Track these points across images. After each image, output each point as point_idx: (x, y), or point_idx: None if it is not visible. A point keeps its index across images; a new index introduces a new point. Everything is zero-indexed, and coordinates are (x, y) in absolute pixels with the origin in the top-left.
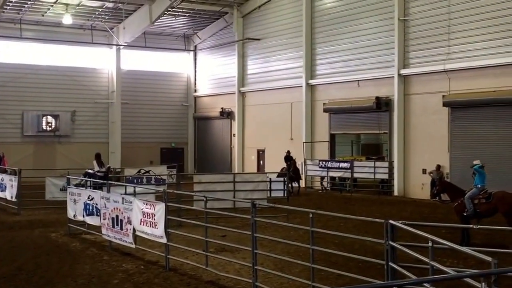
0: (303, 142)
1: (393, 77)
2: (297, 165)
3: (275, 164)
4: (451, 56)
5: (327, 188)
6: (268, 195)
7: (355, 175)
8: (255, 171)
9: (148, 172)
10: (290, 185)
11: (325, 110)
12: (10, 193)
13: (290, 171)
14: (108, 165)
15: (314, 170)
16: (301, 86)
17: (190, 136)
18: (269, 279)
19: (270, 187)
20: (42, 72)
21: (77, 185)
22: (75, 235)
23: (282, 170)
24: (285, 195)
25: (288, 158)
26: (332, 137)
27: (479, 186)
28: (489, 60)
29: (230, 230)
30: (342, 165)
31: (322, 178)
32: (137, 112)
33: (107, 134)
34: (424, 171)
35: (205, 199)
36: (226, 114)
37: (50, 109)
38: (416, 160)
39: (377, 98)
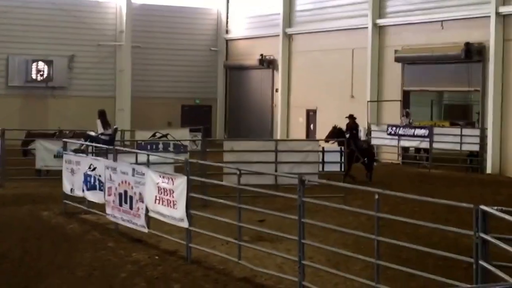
0: (368, 101)
1: (489, 16)
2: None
3: (329, 128)
4: None
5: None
6: (321, 169)
7: (435, 145)
8: (304, 137)
9: (165, 136)
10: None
11: (397, 60)
12: None
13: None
14: (115, 126)
15: (382, 138)
16: (366, 27)
17: (219, 91)
18: (320, 278)
19: (323, 158)
20: (33, 5)
21: (76, 151)
22: (72, 215)
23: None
24: (343, 169)
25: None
26: (406, 95)
27: None
28: None
29: (270, 213)
30: (419, 132)
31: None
32: (152, 59)
33: (113, 86)
34: None
35: (238, 173)
36: (267, 63)
37: (41, 53)
38: None
39: (467, 44)
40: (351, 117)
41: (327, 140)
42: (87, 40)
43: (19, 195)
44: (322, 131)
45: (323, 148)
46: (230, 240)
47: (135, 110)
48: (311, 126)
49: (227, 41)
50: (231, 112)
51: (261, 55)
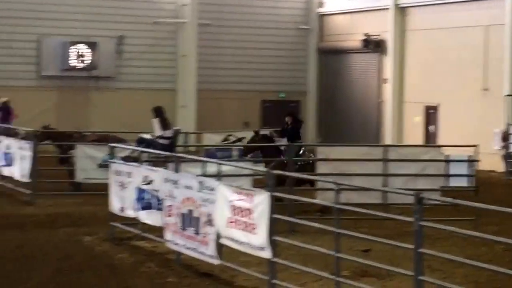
0: (506, 96)
1: None
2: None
3: (456, 130)
4: None
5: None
6: (443, 183)
7: None
8: (422, 142)
9: (241, 140)
10: None
11: None
12: (20, 170)
13: None
14: (176, 127)
15: None
16: None
17: (310, 82)
18: None
19: (447, 170)
20: None
21: (126, 159)
22: (122, 241)
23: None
24: (472, 184)
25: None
26: None
27: None
28: None
29: (378, 241)
30: None
31: None
32: (224, 41)
33: (174, 76)
34: None
35: (336, 188)
36: (373, 45)
37: (82, 33)
38: None
39: None
40: (291, 116)
41: (245, 155)
42: (140, 16)
43: (54, 215)
44: (446, 133)
45: (447, 156)
46: (325, 276)
47: (201, 106)
48: (432, 127)
49: (321, 16)
50: (326, 109)
51: (366, 34)
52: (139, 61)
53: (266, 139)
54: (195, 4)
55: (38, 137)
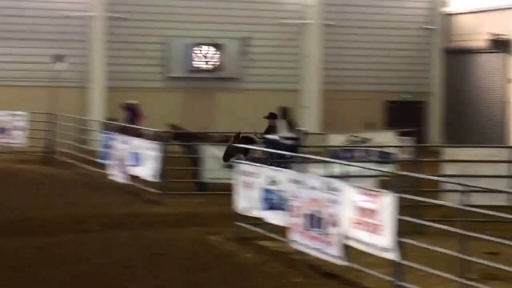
0: None
1: None
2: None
3: None
4: None
5: None
6: None
7: None
8: None
9: (365, 141)
10: None
11: None
12: (149, 170)
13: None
14: (301, 128)
15: None
16: None
17: (435, 82)
18: None
19: None
20: None
21: (251, 160)
22: (247, 241)
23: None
24: None
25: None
26: None
27: None
28: None
29: (507, 244)
30: None
31: None
32: (347, 41)
33: (297, 76)
34: None
35: (464, 190)
36: (500, 45)
37: (208, 35)
38: None
39: None
40: (272, 117)
41: (226, 159)
42: (266, 17)
43: (181, 215)
44: None
45: None
46: (452, 278)
47: (325, 107)
48: None
49: (445, 16)
50: (451, 109)
51: (493, 34)
52: (263, 62)
53: (247, 141)
54: (320, 5)
55: (166, 138)
